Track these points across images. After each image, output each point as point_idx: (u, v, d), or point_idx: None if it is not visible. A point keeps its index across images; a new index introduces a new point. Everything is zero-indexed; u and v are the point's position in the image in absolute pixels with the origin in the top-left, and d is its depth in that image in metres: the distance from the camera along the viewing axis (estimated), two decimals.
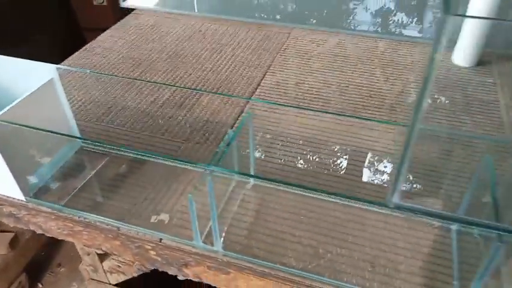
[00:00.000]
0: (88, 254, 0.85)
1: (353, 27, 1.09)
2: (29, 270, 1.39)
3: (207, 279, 0.62)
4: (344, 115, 0.78)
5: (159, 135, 0.78)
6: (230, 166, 0.59)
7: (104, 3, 2.12)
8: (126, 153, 0.72)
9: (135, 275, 0.86)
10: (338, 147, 0.73)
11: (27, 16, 1.84)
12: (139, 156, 0.71)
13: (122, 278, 0.88)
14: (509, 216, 0.41)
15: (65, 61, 1.02)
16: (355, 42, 1.06)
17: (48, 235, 0.70)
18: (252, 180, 0.67)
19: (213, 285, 0.63)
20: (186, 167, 0.68)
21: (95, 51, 1.06)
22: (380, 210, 0.61)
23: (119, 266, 0.85)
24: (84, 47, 1.08)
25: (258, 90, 0.90)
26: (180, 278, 0.64)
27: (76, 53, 1.05)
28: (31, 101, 0.63)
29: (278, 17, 1.15)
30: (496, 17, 0.81)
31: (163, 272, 0.65)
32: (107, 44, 1.10)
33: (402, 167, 0.38)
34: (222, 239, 0.58)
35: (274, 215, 0.62)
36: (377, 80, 0.92)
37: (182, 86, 0.91)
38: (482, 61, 0.98)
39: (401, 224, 0.60)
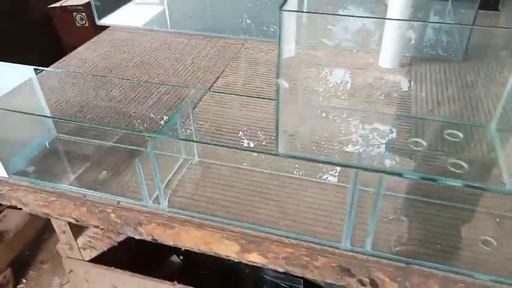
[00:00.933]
0: (64, 232, 0.98)
1: None
2: (14, 266, 1.50)
3: (158, 237, 0.76)
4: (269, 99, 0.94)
5: (124, 125, 0.92)
6: (175, 144, 0.74)
7: (86, 25, 2.30)
8: (94, 140, 0.86)
9: (105, 248, 0.99)
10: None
11: (15, 33, 2.01)
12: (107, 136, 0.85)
13: (94, 254, 1.01)
14: None
15: (46, 69, 1.17)
16: None
17: (27, 209, 0.83)
18: (196, 158, 0.82)
19: (162, 242, 0.76)
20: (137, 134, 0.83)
21: (72, 62, 1.22)
22: (292, 176, 0.76)
23: (90, 241, 0.98)
24: (63, 58, 1.23)
25: (211, 89, 1.06)
26: (137, 237, 0.78)
27: (55, 63, 1.21)
28: (13, 95, 0.78)
29: (234, 31, 1.32)
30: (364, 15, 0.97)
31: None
32: (82, 55, 1.25)
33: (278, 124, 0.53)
34: (167, 199, 0.73)
35: (211, 182, 0.77)
36: None
37: (145, 85, 1.07)
38: (403, 63, 1.15)
39: (311, 185, 0.75)
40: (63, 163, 0.83)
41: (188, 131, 0.81)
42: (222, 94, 1.03)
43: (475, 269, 0.61)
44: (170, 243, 0.76)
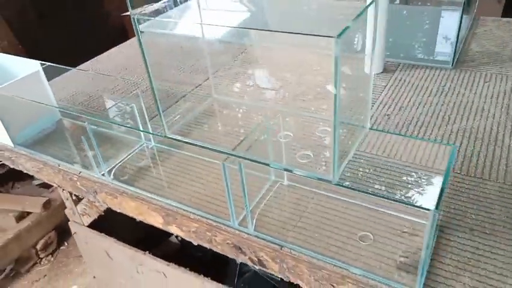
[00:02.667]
0: (67, 199, 1.19)
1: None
2: (58, 230, 1.80)
3: (109, 204, 0.91)
4: None
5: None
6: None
7: None
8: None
9: (96, 216, 1.18)
10: None
11: (93, 39, 2.37)
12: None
13: (89, 220, 1.20)
14: None
15: (80, 66, 1.42)
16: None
17: (30, 173, 1.05)
18: (152, 142, 0.96)
19: (112, 208, 0.91)
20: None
21: (101, 60, 1.44)
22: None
23: (85, 209, 1.18)
24: (95, 57, 1.47)
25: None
26: (96, 204, 0.94)
27: (88, 61, 1.45)
28: (22, 83, 1.00)
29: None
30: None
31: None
32: (111, 55, 1.47)
33: None
34: (113, 173, 0.88)
35: (155, 164, 0.90)
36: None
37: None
38: (386, 69, 1.16)
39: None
40: (56, 140, 1.03)
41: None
42: None
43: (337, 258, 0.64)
44: (118, 210, 0.91)
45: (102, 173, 0.87)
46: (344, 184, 0.65)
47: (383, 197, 0.65)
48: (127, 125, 0.88)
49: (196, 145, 0.74)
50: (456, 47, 1.11)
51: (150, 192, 0.83)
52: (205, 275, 1.04)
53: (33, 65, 1.04)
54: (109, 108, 0.99)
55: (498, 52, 1.19)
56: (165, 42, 1.26)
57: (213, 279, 1.02)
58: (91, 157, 0.85)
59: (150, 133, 0.89)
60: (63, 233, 1.83)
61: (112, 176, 0.87)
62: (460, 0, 1.11)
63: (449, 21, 1.16)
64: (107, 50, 1.53)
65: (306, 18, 1.10)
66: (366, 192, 0.64)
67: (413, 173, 0.74)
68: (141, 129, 0.91)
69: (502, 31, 1.31)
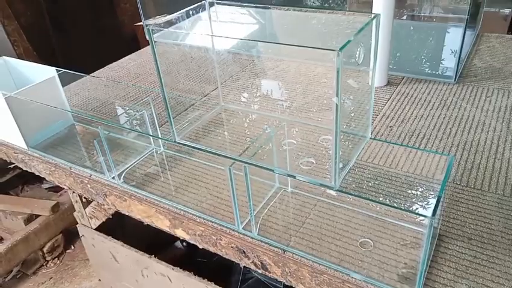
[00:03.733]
0: (76, 202, 1.22)
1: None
2: (66, 233, 1.83)
3: (118, 206, 0.94)
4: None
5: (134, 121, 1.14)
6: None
7: None
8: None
9: (104, 219, 1.21)
10: None
11: (106, 47, 2.42)
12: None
13: (97, 223, 1.23)
14: None
15: (93, 73, 1.46)
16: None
17: (40, 175, 1.08)
18: (162, 147, 0.99)
19: (121, 210, 0.94)
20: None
21: (113, 67, 1.49)
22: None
23: (93, 212, 1.21)
24: (107, 66, 1.51)
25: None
26: (105, 207, 0.97)
27: (101, 69, 1.49)
28: (38, 88, 1.04)
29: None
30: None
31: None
32: (124, 64, 1.52)
33: None
34: (123, 177, 0.91)
35: (159, 168, 0.93)
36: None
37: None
38: (390, 82, 1.19)
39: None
40: (68, 144, 1.07)
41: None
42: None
43: (340, 263, 0.67)
44: (127, 213, 0.94)
45: (112, 176, 0.90)
46: (344, 190, 0.67)
47: (382, 204, 0.67)
48: (138, 131, 0.91)
49: (203, 150, 0.77)
50: (459, 62, 1.14)
51: (158, 196, 0.85)
52: (209, 281, 1.06)
53: (49, 71, 1.08)
54: (121, 114, 1.03)
55: (501, 68, 1.21)
56: (176, 52, 1.30)
57: (216, 284, 1.04)
58: (102, 161, 0.88)
59: (160, 138, 0.92)
60: (70, 236, 1.86)
61: (121, 180, 0.90)
62: (462, 16, 1.14)
63: (454, 37, 1.19)
64: (120, 58, 1.58)
65: (313, 32, 1.13)
66: (366, 199, 0.66)
67: (412, 183, 0.76)
68: (151, 134, 0.94)
69: (505, 47, 1.33)
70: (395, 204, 0.69)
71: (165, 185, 0.88)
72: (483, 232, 0.70)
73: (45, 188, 1.96)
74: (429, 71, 1.20)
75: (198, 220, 0.80)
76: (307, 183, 0.76)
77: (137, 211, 0.90)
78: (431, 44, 1.23)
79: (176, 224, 0.84)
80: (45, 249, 1.77)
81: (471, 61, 1.27)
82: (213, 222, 0.78)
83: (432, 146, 0.92)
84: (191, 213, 0.81)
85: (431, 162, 0.84)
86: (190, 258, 1.49)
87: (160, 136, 0.95)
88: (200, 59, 1.42)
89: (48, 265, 1.79)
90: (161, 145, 0.98)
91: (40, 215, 1.77)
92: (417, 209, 0.70)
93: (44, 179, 1.12)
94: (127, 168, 0.93)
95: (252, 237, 0.74)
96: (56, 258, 1.81)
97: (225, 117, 1.05)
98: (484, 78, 1.17)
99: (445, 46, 1.18)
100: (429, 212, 0.53)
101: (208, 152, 0.76)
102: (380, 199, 0.71)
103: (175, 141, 0.74)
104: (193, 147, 0.76)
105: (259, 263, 0.75)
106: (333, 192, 0.77)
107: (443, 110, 1.04)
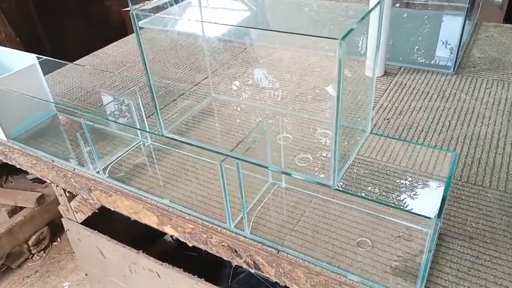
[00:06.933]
0: (61, 195, 1.17)
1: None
2: (51, 225, 1.78)
3: (103, 202, 0.90)
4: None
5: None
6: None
7: None
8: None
9: (89, 213, 1.16)
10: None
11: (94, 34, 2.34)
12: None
13: (83, 217, 1.19)
14: None
15: (77, 60, 1.40)
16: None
17: (23, 168, 1.03)
18: (149, 140, 0.94)
19: (107, 206, 0.90)
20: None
21: (99, 55, 1.43)
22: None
23: (78, 206, 1.16)
24: (93, 53, 1.45)
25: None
26: (91, 201, 0.92)
27: (86, 56, 1.43)
28: (18, 76, 0.98)
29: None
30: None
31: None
32: (109, 51, 1.46)
33: None
34: (108, 171, 0.86)
35: (151, 164, 0.89)
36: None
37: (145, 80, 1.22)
38: (387, 73, 1.15)
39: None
40: (51, 135, 1.01)
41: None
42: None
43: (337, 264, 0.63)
44: (113, 208, 0.89)
45: (97, 170, 0.86)
46: (343, 189, 0.64)
47: (384, 204, 0.64)
48: (124, 123, 0.87)
49: (193, 145, 0.72)
50: (458, 52, 1.10)
51: (145, 191, 0.81)
52: (200, 275, 1.03)
53: (29, 59, 1.02)
54: (106, 104, 0.98)
55: (500, 58, 1.18)
56: (165, 39, 1.24)
57: (208, 279, 1.01)
58: (86, 154, 0.84)
59: (147, 131, 0.87)
60: (56, 228, 1.82)
61: (107, 174, 0.85)
62: (461, 5, 1.10)
63: (451, 26, 1.15)
64: (106, 45, 1.51)
65: (306, 19, 1.09)
66: (368, 199, 0.63)
67: (413, 179, 0.73)
68: (138, 126, 0.89)
69: (504, 37, 1.30)
70: (396, 202, 0.66)
71: (153, 179, 0.84)
72: (485, 231, 0.67)
73: (31, 179, 1.90)
74: (427, 61, 1.16)
75: (188, 217, 0.76)
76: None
77: (123, 207, 0.86)
78: (428, 33, 1.19)
79: (165, 220, 0.80)
80: (30, 242, 1.72)
81: (469, 51, 1.24)
82: (203, 219, 0.74)
83: (431, 139, 0.89)
84: (180, 210, 0.77)
85: (430, 156, 0.81)
86: (180, 252, 1.45)
87: (147, 128, 0.91)
88: (190, 47, 1.36)
89: (33, 258, 1.74)
90: (149, 137, 0.94)
91: (25, 207, 1.71)
92: (417, 208, 0.67)
93: None
94: (113, 161, 0.88)
95: (244, 236, 0.70)
96: (42, 251, 1.77)
97: (215, 108, 1.01)
98: (483, 69, 1.14)
99: (443, 35, 1.14)
100: (432, 212, 0.49)
101: (197, 146, 0.72)
102: (379, 197, 0.68)
103: (162, 135, 0.70)
104: (181, 141, 0.71)
105: (252, 263, 0.72)
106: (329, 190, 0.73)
107: (442, 101, 1.01)
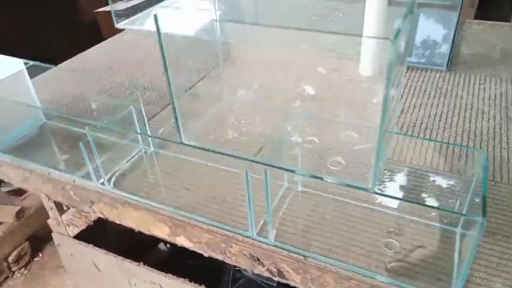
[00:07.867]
0: (51, 208, 1.11)
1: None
2: (32, 240, 1.69)
3: (107, 215, 0.85)
4: None
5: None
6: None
7: None
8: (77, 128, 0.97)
9: (84, 226, 1.11)
10: None
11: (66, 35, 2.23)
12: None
13: (76, 230, 1.13)
14: None
15: (61, 64, 1.32)
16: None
17: (13, 183, 0.96)
18: (152, 147, 0.90)
19: (110, 219, 0.85)
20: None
21: (83, 59, 1.36)
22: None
23: (72, 219, 1.10)
24: (76, 56, 1.38)
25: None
26: (92, 214, 0.87)
27: (69, 60, 1.36)
28: (4, 84, 0.91)
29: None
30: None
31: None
32: (94, 54, 1.39)
33: None
34: (112, 182, 0.82)
35: (153, 171, 0.85)
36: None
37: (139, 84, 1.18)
38: (382, 72, 1.15)
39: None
40: (42, 146, 0.95)
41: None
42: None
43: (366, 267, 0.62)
44: (117, 221, 0.85)
45: (101, 181, 0.81)
46: (381, 193, 0.63)
47: (424, 206, 0.63)
48: (135, 131, 0.82)
49: (216, 152, 0.69)
50: (451, 49, 1.12)
51: (156, 201, 0.77)
52: (198, 283, 0.99)
53: (15, 64, 0.96)
54: (102, 110, 0.93)
55: (488, 55, 1.21)
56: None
57: (207, 286, 0.98)
58: (89, 164, 0.79)
59: (164, 140, 0.83)
60: (37, 243, 1.72)
61: (112, 185, 0.81)
62: (450, 3, 1.13)
63: (444, 23, 1.17)
64: (77, 47, 1.43)
65: (302, 17, 1.07)
66: (407, 201, 0.62)
67: (437, 179, 0.73)
68: (142, 133, 0.85)
69: (488, 34, 1.34)
70: (424, 202, 0.66)
71: (162, 189, 0.80)
72: (504, 225, 0.69)
73: (6, 192, 1.79)
74: (420, 59, 1.18)
75: (205, 227, 0.73)
76: (321, 181, 0.71)
77: (131, 219, 0.82)
78: (420, 30, 1.21)
79: (178, 232, 0.77)
80: (10, 259, 1.62)
81: (458, 48, 1.26)
82: (222, 229, 0.71)
83: (437, 136, 0.90)
84: (196, 220, 0.73)
85: (452, 155, 0.81)
86: (176, 260, 1.41)
87: (149, 133, 0.87)
88: (190, 47, 1.32)
89: (14, 276, 1.64)
90: (151, 144, 0.90)
91: (2, 222, 1.61)
92: (450, 208, 0.67)
93: (2, 181, 1.00)
94: (117, 171, 0.84)
95: (267, 244, 0.68)
96: (23, 268, 1.67)
97: (229, 113, 0.97)
98: (474, 65, 1.16)
99: (436, 33, 1.16)
100: (477, 213, 0.49)
101: (222, 154, 0.69)
102: (408, 196, 0.68)
103: (182, 143, 0.66)
104: (204, 149, 0.68)
105: (276, 271, 0.70)
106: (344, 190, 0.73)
107: (440, 98, 1.03)
